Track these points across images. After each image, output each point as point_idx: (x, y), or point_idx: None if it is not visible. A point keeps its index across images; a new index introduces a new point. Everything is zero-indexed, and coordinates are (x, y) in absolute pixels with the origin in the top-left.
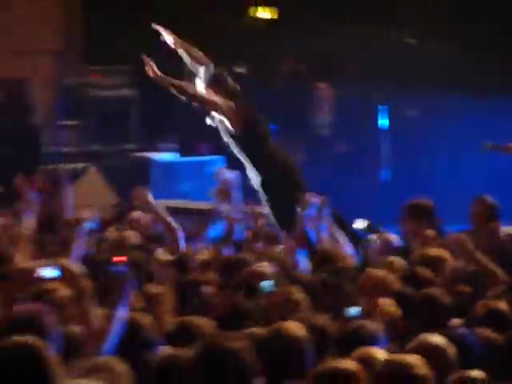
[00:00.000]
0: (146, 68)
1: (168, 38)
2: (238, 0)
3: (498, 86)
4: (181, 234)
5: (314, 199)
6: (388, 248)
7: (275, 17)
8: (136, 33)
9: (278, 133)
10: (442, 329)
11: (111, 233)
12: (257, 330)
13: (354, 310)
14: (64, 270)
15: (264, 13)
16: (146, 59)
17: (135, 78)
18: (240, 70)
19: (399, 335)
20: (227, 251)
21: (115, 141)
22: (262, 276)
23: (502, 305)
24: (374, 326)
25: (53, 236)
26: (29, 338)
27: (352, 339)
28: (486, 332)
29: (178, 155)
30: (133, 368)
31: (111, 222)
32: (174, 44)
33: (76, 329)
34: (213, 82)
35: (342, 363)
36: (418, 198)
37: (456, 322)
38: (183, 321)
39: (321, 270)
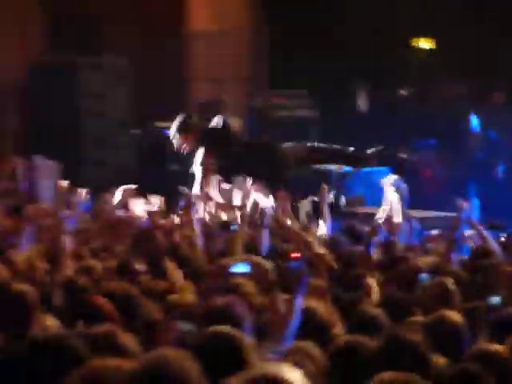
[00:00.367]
0: None
1: None
2: (402, 33)
3: None
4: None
5: (465, 204)
6: None
7: (433, 46)
8: (311, 60)
9: (435, 147)
10: None
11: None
12: (420, 318)
13: (495, 299)
14: (253, 265)
15: (424, 43)
16: None
17: (312, 101)
18: (403, 92)
19: None
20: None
21: None
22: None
23: None
24: None
25: None
26: (228, 328)
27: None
28: None
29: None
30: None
31: None
32: None
33: (264, 317)
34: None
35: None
36: None
37: None
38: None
39: (477, 264)
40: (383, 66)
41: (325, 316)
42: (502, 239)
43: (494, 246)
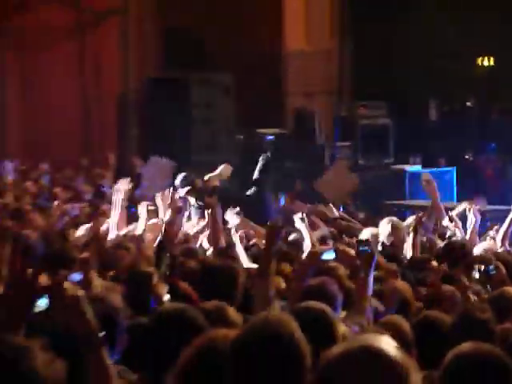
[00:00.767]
0: None
1: None
2: (467, 53)
3: None
4: None
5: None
6: None
7: (492, 64)
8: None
9: (496, 150)
10: None
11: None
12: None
13: None
14: (339, 252)
15: (485, 61)
16: None
17: (390, 111)
18: (469, 103)
19: None
20: None
21: (376, 157)
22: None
23: None
24: None
25: None
26: (318, 303)
27: None
28: None
29: (420, 167)
30: None
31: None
32: None
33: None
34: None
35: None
36: None
37: None
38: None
39: None
40: (453, 82)
41: (408, 292)
42: None
43: None
